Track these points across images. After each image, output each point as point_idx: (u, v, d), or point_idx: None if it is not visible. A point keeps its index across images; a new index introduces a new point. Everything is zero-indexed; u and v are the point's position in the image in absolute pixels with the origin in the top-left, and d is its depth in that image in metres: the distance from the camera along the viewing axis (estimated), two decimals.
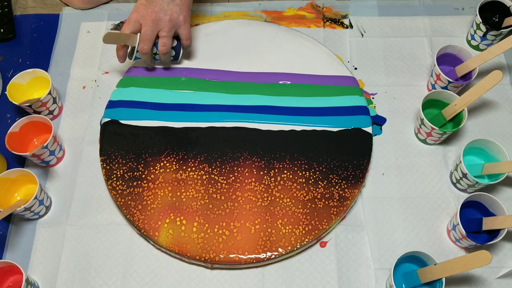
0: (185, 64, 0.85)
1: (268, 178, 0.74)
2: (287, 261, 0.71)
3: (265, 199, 0.72)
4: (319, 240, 0.72)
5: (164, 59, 0.80)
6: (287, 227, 0.70)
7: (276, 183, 0.74)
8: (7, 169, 0.77)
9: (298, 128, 0.78)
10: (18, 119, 0.76)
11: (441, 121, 0.77)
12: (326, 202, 0.72)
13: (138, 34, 0.76)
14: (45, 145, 0.73)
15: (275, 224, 0.71)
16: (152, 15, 0.74)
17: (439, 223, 0.73)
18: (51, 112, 0.82)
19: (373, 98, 0.84)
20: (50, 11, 0.95)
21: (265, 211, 0.71)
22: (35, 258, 0.72)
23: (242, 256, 0.68)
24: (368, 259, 0.71)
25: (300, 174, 0.74)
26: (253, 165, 0.75)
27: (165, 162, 0.75)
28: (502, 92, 0.84)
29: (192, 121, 0.79)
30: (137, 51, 0.78)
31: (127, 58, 0.80)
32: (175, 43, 0.80)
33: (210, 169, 0.75)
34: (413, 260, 0.67)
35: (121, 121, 0.79)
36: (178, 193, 0.73)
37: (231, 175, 0.74)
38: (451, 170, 0.76)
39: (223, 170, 0.75)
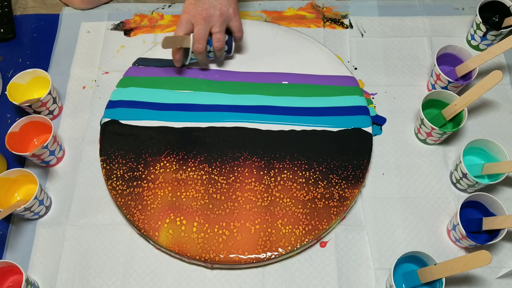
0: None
1: (268, 178, 0.74)
2: (287, 261, 0.71)
3: (265, 199, 0.72)
4: (319, 240, 0.72)
5: (219, 54, 0.80)
6: (287, 227, 0.70)
7: (276, 183, 0.74)
8: (7, 169, 0.77)
9: (298, 128, 0.78)
10: (18, 119, 0.76)
11: (441, 121, 0.77)
12: (326, 202, 0.72)
13: (191, 34, 0.75)
14: (45, 145, 0.73)
15: (275, 224, 0.71)
16: (202, 13, 0.74)
17: (439, 223, 0.73)
18: (51, 112, 0.82)
19: (373, 98, 0.84)
20: (50, 11, 0.95)
21: (265, 211, 0.71)
22: (35, 258, 0.72)
23: (242, 256, 0.68)
24: (368, 259, 0.71)
25: (300, 174, 0.74)
26: (253, 165, 0.75)
27: (165, 162, 0.75)
28: (502, 92, 0.84)
29: (192, 121, 0.79)
30: (192, 52, 0.77)
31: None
32: (227, 37, 0.79)
33: (210, 169, 0.75)
34: (413, 260, 0.67)
35: (121, 121, 0.79)
36: (178, 193, 0.73)
37: (231, 175, 0.74)
38: (451, 170, 0.76)
39: (223, 170, 0.75)
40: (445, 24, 0.91)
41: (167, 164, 0.75)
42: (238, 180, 0.74)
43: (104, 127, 0.79)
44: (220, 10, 0.74)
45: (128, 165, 0.75)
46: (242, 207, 0.72)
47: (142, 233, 0.71)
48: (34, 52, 0.90)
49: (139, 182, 0.74)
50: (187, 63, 0.80)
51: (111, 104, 0.81)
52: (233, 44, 0.81)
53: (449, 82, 0.78)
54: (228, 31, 0.79)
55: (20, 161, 0.79)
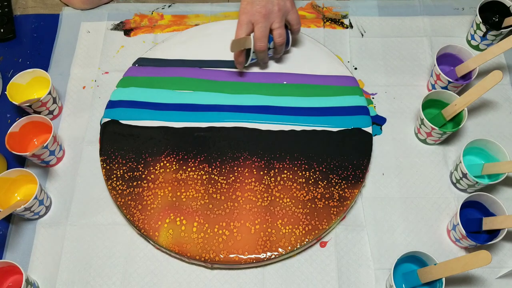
0: (185, 64, 0.85)
1: (268, 178, 0.74)
2: (287, 261, 0.71)
3: (265, 199, 0.72)
4: (319, 240, 0.72)
5: (280, 50, 0.79)
6: (287, 227, 0.70)
7: (276, 183, 0.74)
8: (7, 169, 0.77)
9: (298, 128, 0.78)
10: (18, 119, 0.76)
11: (441, 121, 0.77)
12: (326, 202, 0.72)
13: (251, 34, 0.75)
14: (45, 145, 0.73)
15: (275, 224, 0.71)
16: (262, 11, 0.74)
17: (439, 223, 0.73)
18: (51, 112, 0.82)
19: (373, 98, 0.84)
20: (50, 11, 0.95)
21: (265, 211, 0.71)
22: (35, 258, 0.72)
23: (242, 256, 0.68)
24: (368, 259, 0.71)
25: (300, 174, 0.74)
26: (253, 165, 0.75)
27: (165, 162, 0.76)
28: (502, 92, 0.84)
29: (192, 121, 0.79)
30: (253, 52, 0.77)
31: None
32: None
33: (210, 169, 0.75)
34: (413, 260, 0.67)
35: (121, 121, 0.79)
36: (178, 193, 0.73)
37: (231, 175, 0.74)
38: (451, 170, 0.76)
39: (223, 170, 0.75)
40: (445, 24, 0.91)
41: (167, 164, 0.75)
42: (238, 180, 0.74)
43: (104, 127, 0.79)
44: (278, 5, 0.74)
45: (128, 165, 0.75)
46: (242, 207, 0.72)
47: (142, 233, 0.71)
48: (34, 52, 0.90)
49: (139, 182, 0.74)
50: (247, 64, 0.80)
51: (111, 104, 0.81)
52: (291, 37, 0.80)
53: (449, 82, 0.78)
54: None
55: (20, 161, 0.79)
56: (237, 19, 0.76)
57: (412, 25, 0.91)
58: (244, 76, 0.83)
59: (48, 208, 0.75)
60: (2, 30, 0.91)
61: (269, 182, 0.74)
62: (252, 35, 0.76)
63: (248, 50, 0.77)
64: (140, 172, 0.75)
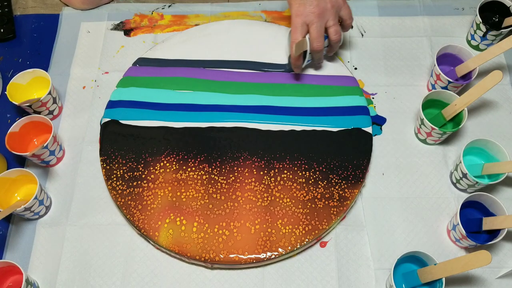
0: (186, 64, 0.85)
1: (268, 178, 0.74)
2: (287, 261, 0.71)
3: (265, 199, 0.72)
4: (319, 240, 0.72)
5: (336, 47, 0.79)
6: (287, 227, 0.70)
7: (276, 183, 0.74)
8: (7, 169, 0.77)
9: (298, 128, 0.78)
10: (18, 119, 0.76)
11: (441, 121, 0.77)
12: (326, 202, 0.72)
13: (307, 36, 0.75)
14: (45, 145, 0.73)
15: (275, 224, 0.71)
16: (316, 10, 0.73)
17: (439, 223, 0.73)
18: (51, 112, 0.82)
19: (373, 98, 0.84)
20: (50, 11, 0.95)
21: (265, 211, 0.71)
22: (35, 258, 0.72)
23: (242, 256, 0.68)
24: (368, 259, 0.71)
25: (300, 174, 0.74)
26: (253, 165, 0.75)
27: (165, 162, 0.76)
28: (502, 92, 0.84)
29: (192, 121, 0.79)
30: (309, 53, 0.77)
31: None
32: None
33: (210, 169, 0.75)
34: (413, 260, 0.67)
35: (121, 121, 0.79)
36: (178, 193, 0.73)
37: (231, 175, 0.74)
38: (451, 170, 0.76)
39: (223, 170, 0.75)
40: (445, 24, 0.91)
41: (167, 164, 0.75)
42: (238, 180, 0.74)
43: (104, 127, 0.79)
44: (330, 2, 0.73)
45: (128, 165, 0.75)
46: (242, 207, 0.72)
47: (142, 233, 0.71)
48: (34, 52, 0.90)
49: (139, 182, 0.74)
50: (303, 66, 0.79)
51: (111, 104, 0.81)
52: (342, 33, 0.79)
53: (449, 82, 0.78)
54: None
55: (20, 161, 0.79)
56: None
57: (412, 25, 0.91)
58: (244, 76, 0.83)
59: (48, 208, 0.75)
60: (2, 30, 0.91)
61: (269, 182, 0.74)
62: (307, 36, 0.75)
63: (305, 52, 0.76)
64: (140, 172, 0.75)
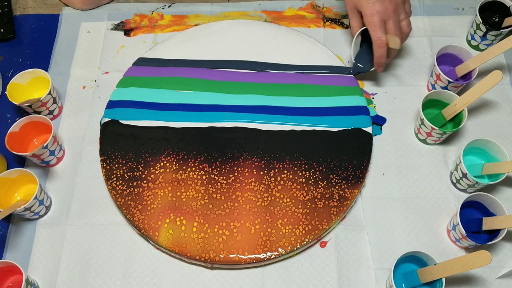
0: (186, 64, 0.85)
1: (268, 178, 0.74)
2: (287, 261, 0.71)
3: (265, 199, 0.72)
4: (319, 240, 0.72)
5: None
6: (287, 227, 0.70)
7: (276, 183, 0.74)
8: (7, 169, 0.77)
9: (298, 128, 0.78)
10: (18, 119, 0.76)
11: (441, 121, 0.77)
12: (326, 202, 0.72)
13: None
14: (45, 145, 0.73)
15: (275, 224, 0.71)
16: (390, 6, 0.73)
17: (439, 223, 0.73)
18: (51, 112, 0.82)
19: (373, 98, 0.84)
20: (50, 11, 0.95)
21: (265, 211, 0.71)
22: (35, 258, 0.72)
23: (242, 256, 0.68)
24: (368, 259, 0.71)
25: (300, 174, 0.74)
26: (253, 165, 0.75)
27: (165, 162, 0.76)
28: (502, 92, 0.84)
29: (192, 121, 0.79)
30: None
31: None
32: None
33: (210, 169, 0.75)
34: (413, 260, 0.67)
35: (121, 121, 0.79)
36: (178, 193, 0.73)
37: (231, 175, 0.74)
38: (451, 170, 0.76)
39: (223, 170, 0.75)
40: (445, 24, 0.91)
41: (167, 164, 0.75)
42: (238, 180, 0.74)
43: (104, 127, 0.79)
44: None
45: (128, 165, 0.75)
46: (242, 207, 0.72)
47: (142, 233, 0.71)
48: (34, 52, 0.90)
49: (139, 182, 0.74)
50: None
51: (111, 104, 0.81)
52: None
53: (449, 82, 0.78)
54: None
55: (20, 161, 0.79)
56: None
57: (412, 25, 0.91)
58: (244, 76, 0.83)
59: (48, 208, 0.75)
60: (2, 30, 0.91)
61: (269, 182, 0.74)
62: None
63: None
64: (140, 172, 0.75)
